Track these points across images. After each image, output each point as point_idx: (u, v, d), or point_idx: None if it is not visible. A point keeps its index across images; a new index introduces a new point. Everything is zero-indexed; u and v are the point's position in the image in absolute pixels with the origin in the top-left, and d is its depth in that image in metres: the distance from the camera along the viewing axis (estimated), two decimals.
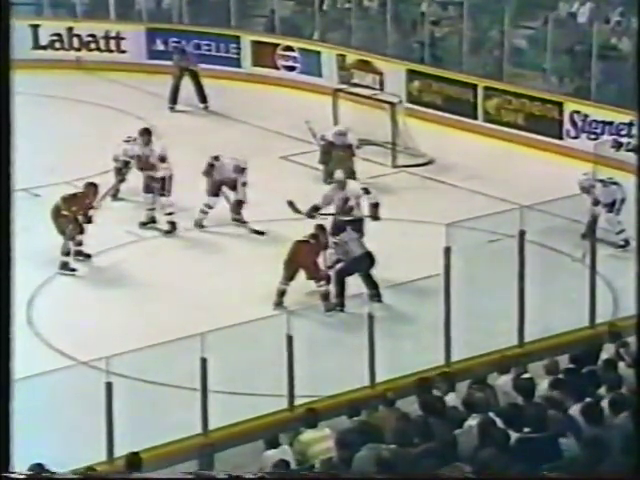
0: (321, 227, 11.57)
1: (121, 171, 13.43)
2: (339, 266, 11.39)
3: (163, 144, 13.33)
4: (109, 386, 8.02)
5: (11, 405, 2.84)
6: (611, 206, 12.26)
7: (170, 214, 12.89)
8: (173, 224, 12.88)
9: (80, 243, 12.08)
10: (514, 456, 6.80)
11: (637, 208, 4.45)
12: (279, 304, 11.10)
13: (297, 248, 11.29)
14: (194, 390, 8.48)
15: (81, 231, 12.04)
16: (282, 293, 11.19)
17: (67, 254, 11.95)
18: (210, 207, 12.96)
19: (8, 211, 2.78)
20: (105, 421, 8.04)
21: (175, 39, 17.86)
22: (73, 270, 11.95)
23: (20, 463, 7.92)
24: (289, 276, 11.23)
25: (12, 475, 2.85)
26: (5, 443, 2.80)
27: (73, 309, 11.17)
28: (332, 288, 11.23)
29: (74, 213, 11.95)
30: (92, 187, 12.34)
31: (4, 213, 2.79)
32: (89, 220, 12.05)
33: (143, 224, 12.97)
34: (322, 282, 11.24)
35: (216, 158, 13.03)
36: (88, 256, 12.18)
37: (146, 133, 13.33)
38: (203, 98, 16.83)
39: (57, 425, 8.43)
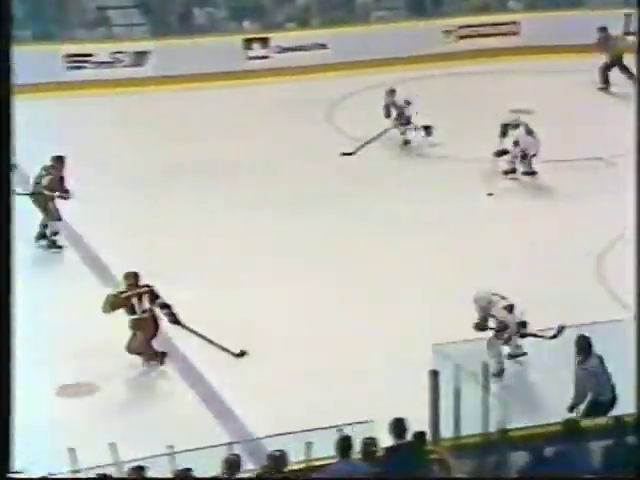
0: None
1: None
2: None
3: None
4: None
5: (11, 406, 3.14)
6: None
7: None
8: None
9: None
10: None
11: (636, 199, 4.15)
12: None
13: None
14: None
15: None
16: None
17: None
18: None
19: (9, 214, 3.15)
20: None
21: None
22: None
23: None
24: None
25: (12, 475, 3.15)
26: (5, 443, 2.99)
27: None
28: None
29: None
30: None
31: (4, 215, 3.17)
32: None
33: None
34: None
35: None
36: None
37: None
38: (630, 75, 16.40)
39: None
